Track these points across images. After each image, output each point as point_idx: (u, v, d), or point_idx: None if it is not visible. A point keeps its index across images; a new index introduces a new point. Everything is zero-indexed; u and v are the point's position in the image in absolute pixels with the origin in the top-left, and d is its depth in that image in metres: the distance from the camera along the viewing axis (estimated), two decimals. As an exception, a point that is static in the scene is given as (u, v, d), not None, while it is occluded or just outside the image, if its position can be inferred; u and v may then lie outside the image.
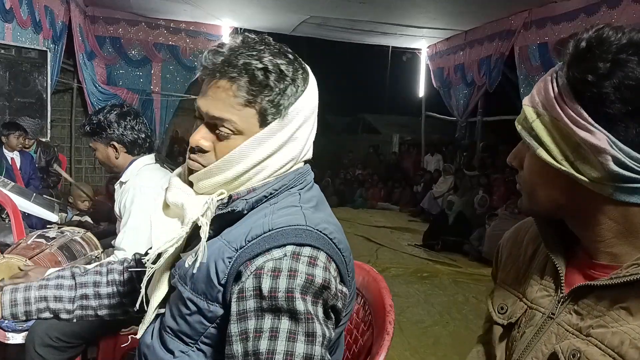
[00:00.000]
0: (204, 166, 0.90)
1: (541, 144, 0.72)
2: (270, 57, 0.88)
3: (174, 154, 8.57)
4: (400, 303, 3.94)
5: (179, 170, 0.99)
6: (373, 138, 14.24)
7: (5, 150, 4.34)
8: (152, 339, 0.95)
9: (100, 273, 1.13)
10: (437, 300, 4.23)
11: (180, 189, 0.93)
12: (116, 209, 2.04)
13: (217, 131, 0.89)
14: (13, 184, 2.81)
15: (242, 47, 0.88)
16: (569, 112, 0.68)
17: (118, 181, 2.06)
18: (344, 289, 0.87)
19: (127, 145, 2.01)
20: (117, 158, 2.03)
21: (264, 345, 0.76)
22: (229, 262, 0.84)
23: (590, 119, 0.67)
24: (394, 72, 11.17)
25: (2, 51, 4.99)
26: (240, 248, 0.83)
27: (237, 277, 0.82)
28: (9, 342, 1.74)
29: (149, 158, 2.10)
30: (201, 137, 0.90)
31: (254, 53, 0.87)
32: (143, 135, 2.05)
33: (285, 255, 0.80)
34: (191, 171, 0.93)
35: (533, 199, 0.78)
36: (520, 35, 6.92)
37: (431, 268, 5.31)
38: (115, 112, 2.01)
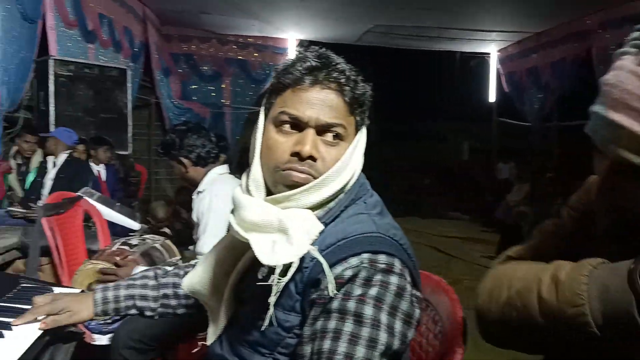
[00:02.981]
0: (315, 177, 0.89)
1: None
2: (354, 71, 0.93)
3: (244, 165, 8.79)
4: (474, 316, 3.81)
5: (242, 187, 0.96)
6: (441, 145, 13.95)
7: (91, 163, 4.66)
8: (222, 349, 0.98)
9: (178, 275, 1.18)
10: (511, 313, 4.05)
11: (260, 206, 0.89)
12: (194, 217, 2.16)
13: (322, 138, 0.90)
14: (99, 194, 3.02)
15: (331, 57, 0.91)
16: None
17: (195, 191, 2.19)
18: (418, 294, 0.87)
19: (192, 159, 2.16)
20: (187, 172, 2.18)
21: (327, 344, 0.76)
22: (306, 271, 0.85)
23: None
24: (462, 77, 10.90)
25: (87, 70, 5.37)
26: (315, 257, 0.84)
27: (315, 284, 0.83)
28: (95, 343, 1.87)
29: (222, 168, 2.23)
30: (313, 145, 0.88)
31: (344, 63, 0.92)
32: (207, 148, 2.19)
33: (362, 263, 0.81)
34: (291, 186, 0.89)
35: None
36: (596, 36, 6.55)
37: (506, 281, 5.08)
38: (178, 131, 2.18)
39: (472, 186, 10.09)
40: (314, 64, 0.89)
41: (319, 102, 0.88)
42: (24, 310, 1.07)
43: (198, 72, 8.70)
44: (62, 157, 3.97)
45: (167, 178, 8.59)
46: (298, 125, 0.90)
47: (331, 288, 0.80)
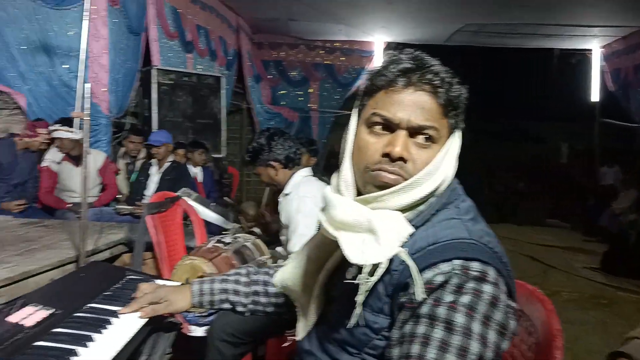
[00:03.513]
0: (405, 179, 0.88)
1: None
2: (449, 73, 0.90)
3: (331, 168, 8.91)
4: (574, 330, 3.57)
5: (332, 186, 0.97)
6: (537, 147, 13.15)
7: (189, 166, 4.96)
8: (310, 345, 0.99)
9: (269, 274, 1.22)
10: (618, 330, 3.73)
11: (350, 206, 0.89)
12: (282, 219, 2.22)
13: (414, 140, 0.89)
14: (196, 194, 3.20)
15: (426, 59, 0.90)
16: None
17: (281, 194, 2.25)
18: (513, 304, 0.83)
19: (282, 161, 2.23)
20: (277, 175, 2.25)
21: (415, 349, 0.75)
22: (395, 274, 0.84)
23: None
24: (562, 75, 10.24)
25: (185, 78, 5.73)
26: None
27: (404, 288, 0.82)
28: (192, 334, 1.98)
29: (307, 170, 2.28)
30: (404, 147, 0.88)
31: (440, 65, 0.89)
32: (294, 150, 2.25)
33: (454, 270, 0.79)
34: (381, 186, 0.89)
35: None
36: None
37: (611, 294, 4.68)
38: (264, 137, 2.25)
39: (573, 191, 9.39)
40: (408, 65, 0.88)
41: (411, 104, 0.88)
42: (129, 300, 1.17)
43: (287, 77, 8.95)
44: (168, 160, 4.28)
45: (257, 180, 8.90)
46: (389, 126, 0.89)
47: (419, 292, 0.78)
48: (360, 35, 8.33)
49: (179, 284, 1.29)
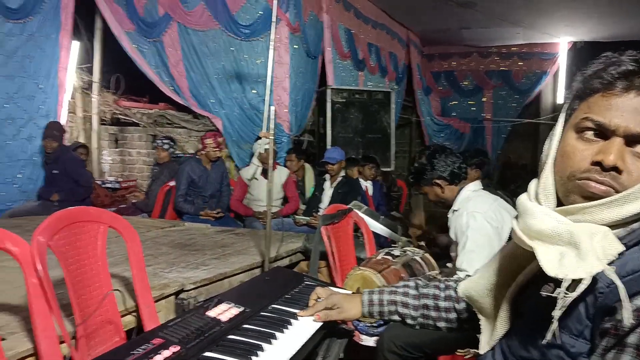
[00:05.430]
0: (617, 191, 0.80)
1: None
2: None
3: (506, 179, 8.42)
4: None
5: (529, 194, 0.91)
6: None
7: (360, 179, 5.13)
8: None
9: (439, 287, 1.20)
10: None
11: (549, 216, 0.84)
12: (452, 234, 2.18)
13: (632, 149, 0.80)
14: (366, 207, 3.30)
15: None
16: None
17: (451, 209, 2.21)
18: None
19: (447, 178, 2.18)
20: (443, 192, 2.22)
21: None
22: (600, 296, 0.76)
23: None
24: None
25: (357, 96, 5.97)
26: (613, 283, 0.74)
27: (610, 312, 0.75)
28: (362, 343, 2.05)
29: (475, 185, 2.21)
30: (619, 155, 0.80)
31: None
32: (457, 165, 2.20)
33: None
34: (588, 197, 0.82)
35: None
36: None
37: None
38: (425, 155, 2.22)
39: None
40: (630, 67, 0.80)
41: (631, 110, 0.79)
42: (307, 304, 1.27)
43: (458, 87, 8.74)
44: (340, 175, 4.52)
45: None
46: (603, 133, 0.82)
47: (627, 317, 0.70)
48: (541, 37, 7.75)
49: (350, 292, 1.35)
